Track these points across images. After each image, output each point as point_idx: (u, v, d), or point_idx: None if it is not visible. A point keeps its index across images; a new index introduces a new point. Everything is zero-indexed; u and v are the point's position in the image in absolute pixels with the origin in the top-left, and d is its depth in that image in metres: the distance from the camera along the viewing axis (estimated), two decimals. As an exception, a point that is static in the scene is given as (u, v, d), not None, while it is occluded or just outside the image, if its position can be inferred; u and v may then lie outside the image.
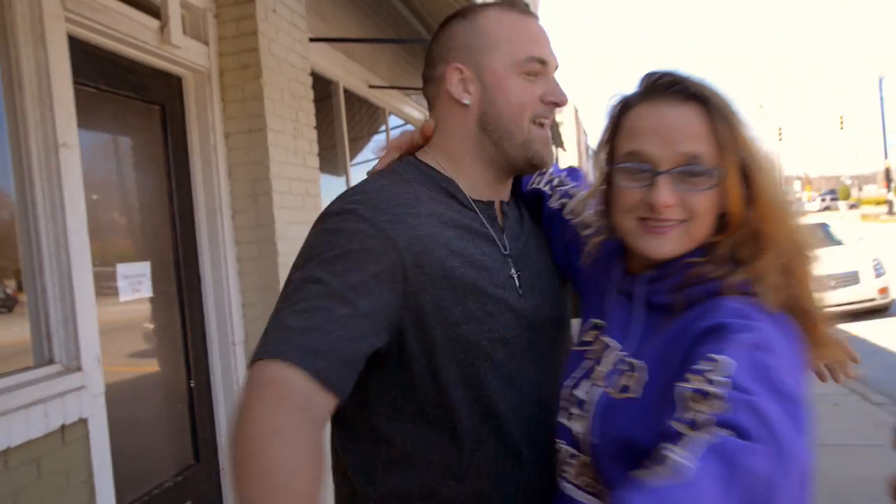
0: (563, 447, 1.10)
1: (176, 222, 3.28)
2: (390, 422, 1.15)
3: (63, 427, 2.32)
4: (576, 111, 53.95)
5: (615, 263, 1.18)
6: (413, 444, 1.14)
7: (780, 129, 56.97)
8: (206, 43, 3.38)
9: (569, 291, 1.36)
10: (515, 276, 1.21)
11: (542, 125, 1.23)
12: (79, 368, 2.41)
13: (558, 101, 1.22)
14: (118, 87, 2.93)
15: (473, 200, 1.23)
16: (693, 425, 0.83)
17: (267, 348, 0.99)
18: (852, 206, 70.33)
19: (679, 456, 0.77)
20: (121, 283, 2.84)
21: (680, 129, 1.04)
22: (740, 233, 1.04)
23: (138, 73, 3.06)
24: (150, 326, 3.14)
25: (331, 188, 4.90)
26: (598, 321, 1.15)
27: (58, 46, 2.40)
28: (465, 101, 1.21)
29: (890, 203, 51.49)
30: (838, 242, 11.98)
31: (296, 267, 1.11)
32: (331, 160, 5.13)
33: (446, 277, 1.12)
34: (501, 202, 1.29)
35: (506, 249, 1.23)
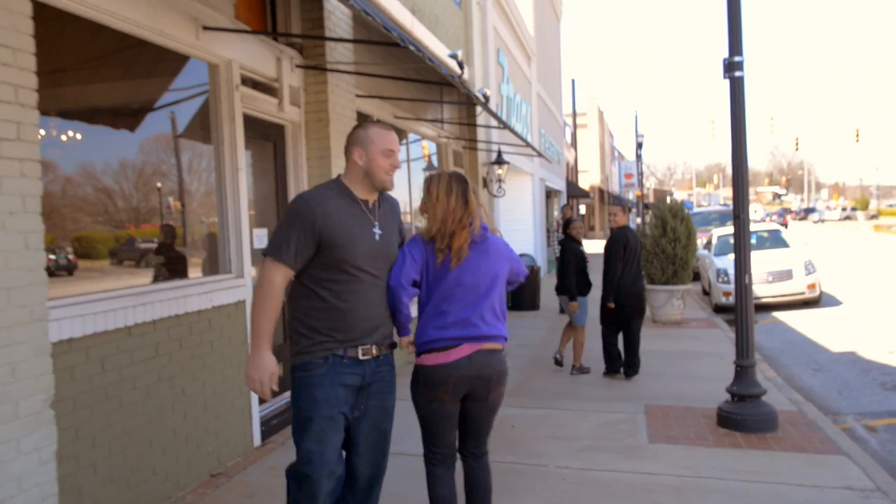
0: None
1: (279, 207, 5.85)
2: (316, 283, 2.88)
3: (237, 302, 4.89)
4: (600, 114, 56.09)
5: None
6: (322, 294, 2.88)
7: (796, 138, 58.04)
8: (298, 106, 5.95)
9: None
10: (377, 231, 2.94)
11: (388, 174, 2.95)
12: (241, 276, 4.99)
13: (395, 165, 2.97)
14: (257, 135, 5.50)
15: (360, 199, 2.94)
16: None
17: (267, 249, 2.86)
18: (871, 217, 71.24)
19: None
20: (255, 239, 5.40)
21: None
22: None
23: (265, 126, 5.63)
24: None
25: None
26: None
27: (238, 121, 4.98)
28: (360, 164, 2.93)
29: (904, 215, 52.62)
30: (785, 245, 14.33)
31: (284, 214, 2.91)
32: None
33: (335, 225, 2.81)
34: (375, 201, 3.00)
35: (374, 218, 2.96)
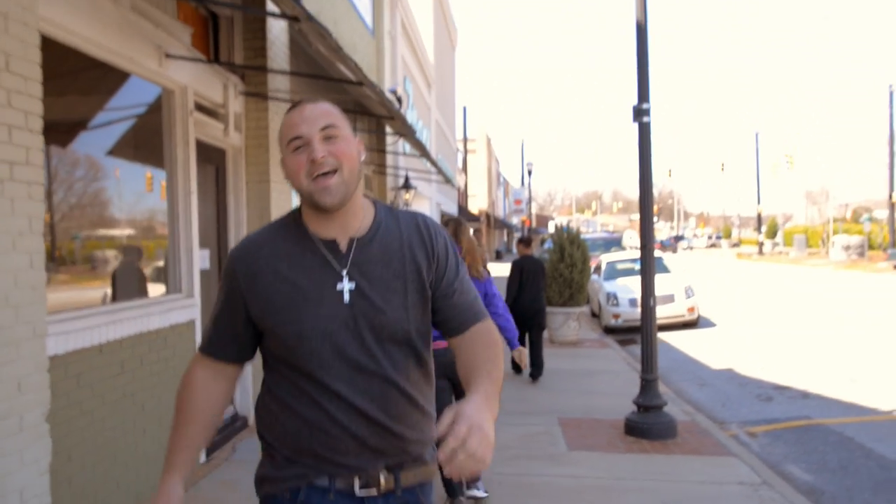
0: None
1: (219, 230, 6.02)
2: (270, 371, 1.82)
3: (189, 321, 5.04)
4: (488, 141, 57.84)
5: None
6: (277, 393, 1.79)
7: (669, 169, 62.24)
8: (241, 132, 6.16)
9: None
10: (345, 286, 1.71)
11: (316, 178, 1.67)
12: (191, 295, 5.15)
13: (313, 159, 1.66)
14: (202, 159, 5.68)
15: (319, 239, 1.74)
16: None
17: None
18: (734, 245, 76.95)
19: None
20: (199, 260, 5.56)
21: None
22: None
23: (209, 150, 5.82)
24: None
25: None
26: None
27: (192, 146, 5.16)
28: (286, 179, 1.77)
29: (761, 244, 57.34)
30: (667, 271, 15.54)
31: None
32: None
33: (263, 291, 1.72)
34: (355, 237, 1.75)
35: (343, 264, 1.72)
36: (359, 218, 1.77)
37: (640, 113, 6.25)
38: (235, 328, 1.79)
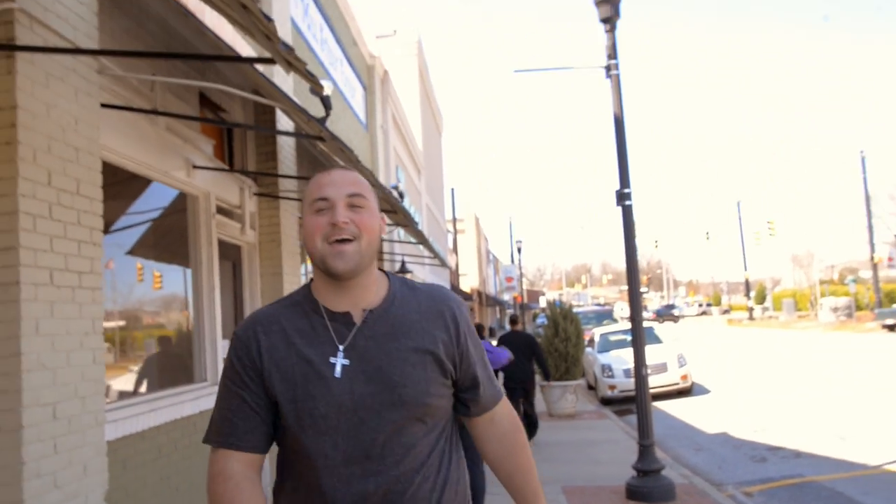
0: None
1: (236, 320, 6.45)
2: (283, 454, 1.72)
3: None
4: (476, 220, 58.96)
5: None
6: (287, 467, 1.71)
7: (655, 240, 63.34)
8: (255, 229, 6.67)
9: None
10: (338, 362, 1.62)
11: (328, 243, 1.61)
12: (215, 383, 5.54)
13: (334, 223, 1.60)
14: (223, 256, 6.16)
15: (328, 311, 1.67)
16: None
17: (205, 435, 1.70)
18: (724, 312, 77.47)
19: None
20: (222, 350, 5.97)
21: None
22: None
23: (227, 247, 6.31)
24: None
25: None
26: None
27: (214, 245, 5.66)
28: (304, 245, 1.68)
29: (751, 310, 57.93)
30: (659, 341, 15.95)
31: None
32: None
33: (283, 364, 1.63)
34: (368, 310, 1.67)
35: (342, 338, 1.64)
36: (371, 291, 1.70)
37: (622, 197, 6.83)
38: (258, 411, 1.65)
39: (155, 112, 4.55)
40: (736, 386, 15.41)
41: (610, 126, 6.94)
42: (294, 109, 4.30)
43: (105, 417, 3.57)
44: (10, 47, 3.00)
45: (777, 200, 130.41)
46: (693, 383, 15.03)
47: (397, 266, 13.93)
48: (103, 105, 3.76)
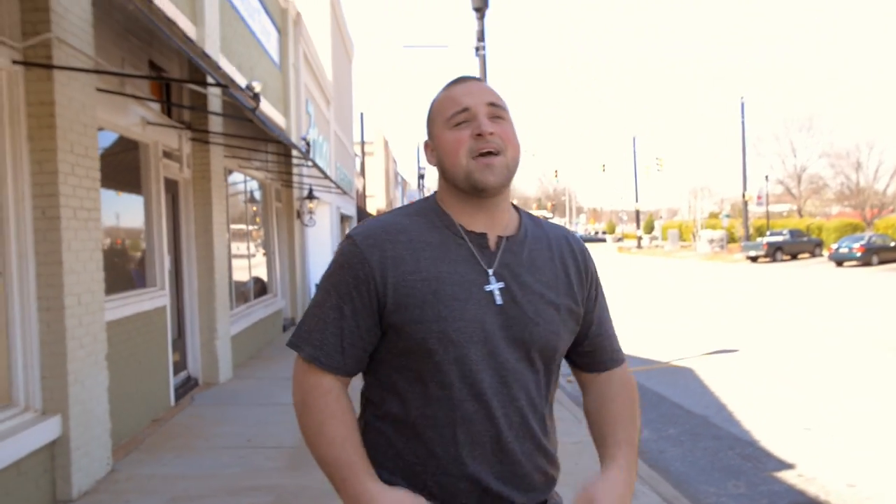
0: None
1: (175, 239, 8.12)
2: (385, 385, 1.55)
3: (161, 307, 7.17)
4: (385, 143, 60.13)
5: None
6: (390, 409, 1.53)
7: (556, 170, 66.31)
8: (191, 168, 8.28)
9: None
10: (494, 287, 1.50)
11: (477, 156, 1.49)
12: (163, 288, 7.27)
13: (480, 133, 1.49)
14: (166, 189, 7.77)
15: (465, 231, 1.53)
16: None
17: (292, 338, 1.55)
18: (618, 240, 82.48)
19: None
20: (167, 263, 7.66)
21: None
22: None
23: (169, 183, 7.91)
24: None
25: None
26: None
27: (161, 182, 7.29)
28: (433, 164, 1.60)
29: (639, 239, 62.31)
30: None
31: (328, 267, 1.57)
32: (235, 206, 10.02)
33: (405, 282, 1.46)
34: (504, 235, 1.56)
35: (490, 262, 1.52)
36: (507, 216, 1.59)
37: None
38: (362, 333, 1.51)
39: (123, 74, 6.12)
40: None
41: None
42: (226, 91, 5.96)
43: (104, 306, 5.32)
44: (49, 66, 4.59)
45: (678, 136, 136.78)
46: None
47: (306, 192, 15.55)
48: (98, 90, 5.35)
